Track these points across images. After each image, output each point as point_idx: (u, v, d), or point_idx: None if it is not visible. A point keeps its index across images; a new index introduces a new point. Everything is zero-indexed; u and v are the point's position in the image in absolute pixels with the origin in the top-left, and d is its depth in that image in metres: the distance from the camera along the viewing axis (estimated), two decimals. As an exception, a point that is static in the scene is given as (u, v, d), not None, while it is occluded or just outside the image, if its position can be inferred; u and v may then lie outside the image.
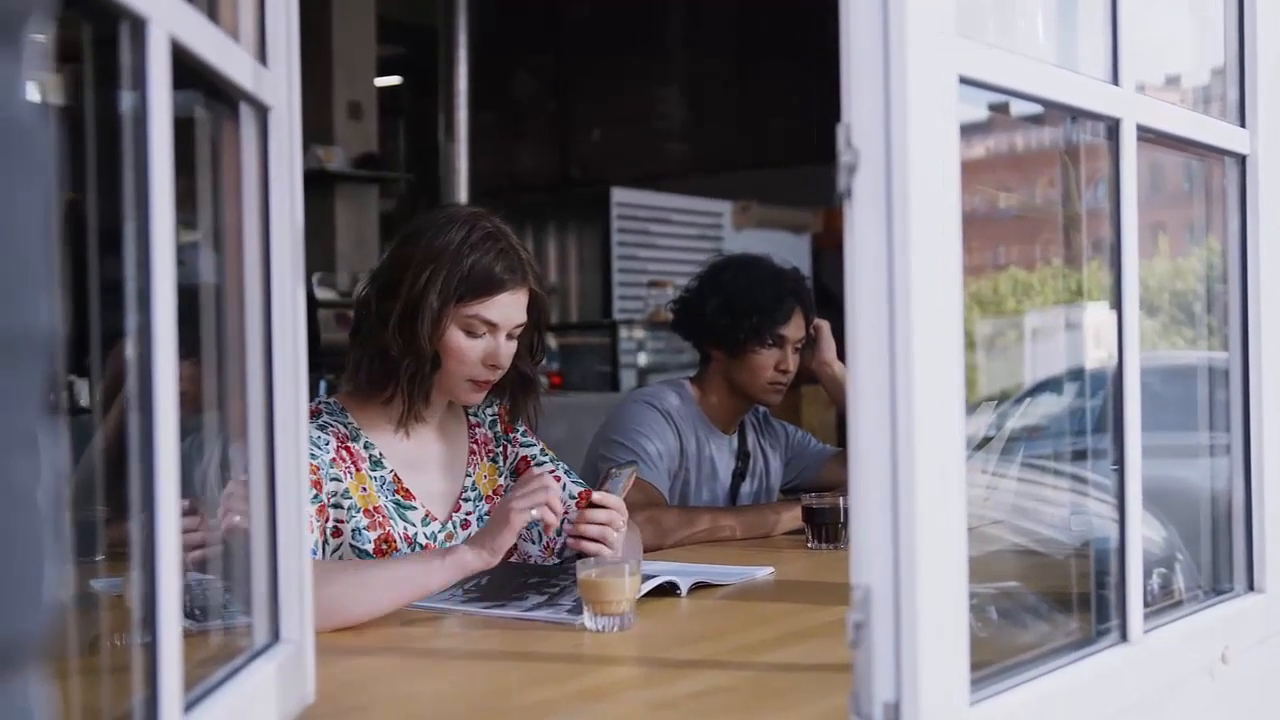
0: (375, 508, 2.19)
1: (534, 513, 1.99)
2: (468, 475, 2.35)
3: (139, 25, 0.96)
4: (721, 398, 3.05)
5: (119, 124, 0.99)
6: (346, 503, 2.15)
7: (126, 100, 0.98)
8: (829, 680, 1.60)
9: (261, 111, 1.32)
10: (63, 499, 0.58)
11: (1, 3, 0.56)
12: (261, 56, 1.33)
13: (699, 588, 2.19)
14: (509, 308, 2.21)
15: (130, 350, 0.98)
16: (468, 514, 2.32)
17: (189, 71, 1.09)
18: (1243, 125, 1.79)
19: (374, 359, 2.21)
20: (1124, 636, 1.49)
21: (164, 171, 0.99)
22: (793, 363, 2.99)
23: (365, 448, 2.23)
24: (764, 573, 2.35)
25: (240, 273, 1.33)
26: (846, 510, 2.64)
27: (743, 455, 3.12)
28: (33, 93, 0.59)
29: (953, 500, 1.19)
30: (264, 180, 1.34)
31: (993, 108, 1.44)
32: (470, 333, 2.20)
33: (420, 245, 2.19)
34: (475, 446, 2.38)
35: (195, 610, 1.33)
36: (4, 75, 0.56)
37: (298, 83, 1.38)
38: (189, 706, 1.06)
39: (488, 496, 2.36)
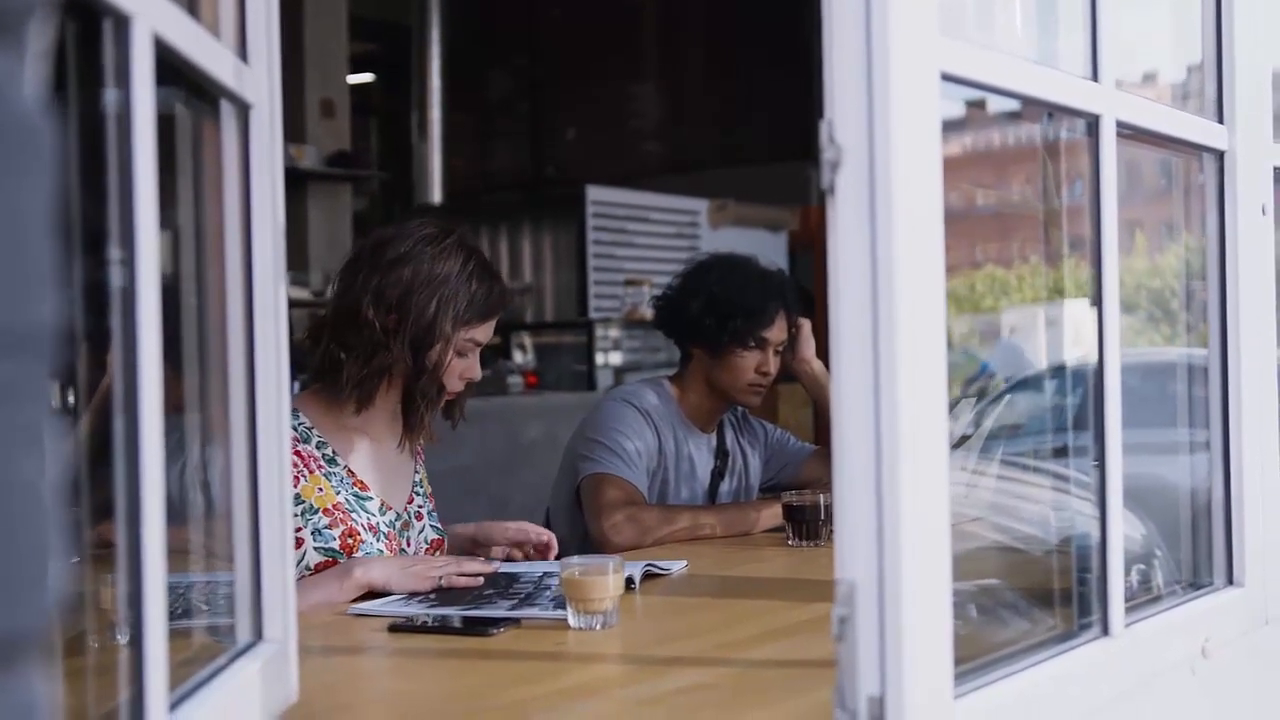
0: (334, 505, 2.23)
1: (443, 582, 2.13)
2: (416, 472, 2.44)
3: (123, 22, 0.96)
4: (701, 397, 3.05)
5: (101, 121, 0.98)
6: (300, 507, 2.18)
7: (109, 97, 0.98)
8: (812, 676, 1.61)
9: (243, 109, 1.32)
10: (65, 494, 0.58)
11: (3, 1, 0.56)
12: (242, 53, 1.32)
13: (649, 577, 2.23)
14: (493, 326, 2.34)
15: (114, 351, 0.98)
16: (419, 507, 2.42)
17: (169, 68, 1.08)
18: (1220, 121, 1.80)
19: (378, 376, 2.24)
20: (1105, 630, 1.50)
21: (148, 168, 0.98)
22: (774, 365, 2.99)
23: (318, 447, 2.27)
24: (679, 566, 2.37)
25: (221, 272, 1.32)
26: (827, 507, 2.66)
27: (721, 454, 3.12)
28: (35, 89, 0.59)
29: (936, 494, 1.20)
30: (245, 178, 1.33)
31: (969, 104, 1.44)
32: (462, 354, 2.28)
33: (419, 270, 2.23)
34: (419, 447, 2.46)
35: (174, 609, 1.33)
36: (7, 72, 0.56)
37: (279, 80, 1.38)
38: (173, 706, 1.06)
39: (430, 494, 2.46)
